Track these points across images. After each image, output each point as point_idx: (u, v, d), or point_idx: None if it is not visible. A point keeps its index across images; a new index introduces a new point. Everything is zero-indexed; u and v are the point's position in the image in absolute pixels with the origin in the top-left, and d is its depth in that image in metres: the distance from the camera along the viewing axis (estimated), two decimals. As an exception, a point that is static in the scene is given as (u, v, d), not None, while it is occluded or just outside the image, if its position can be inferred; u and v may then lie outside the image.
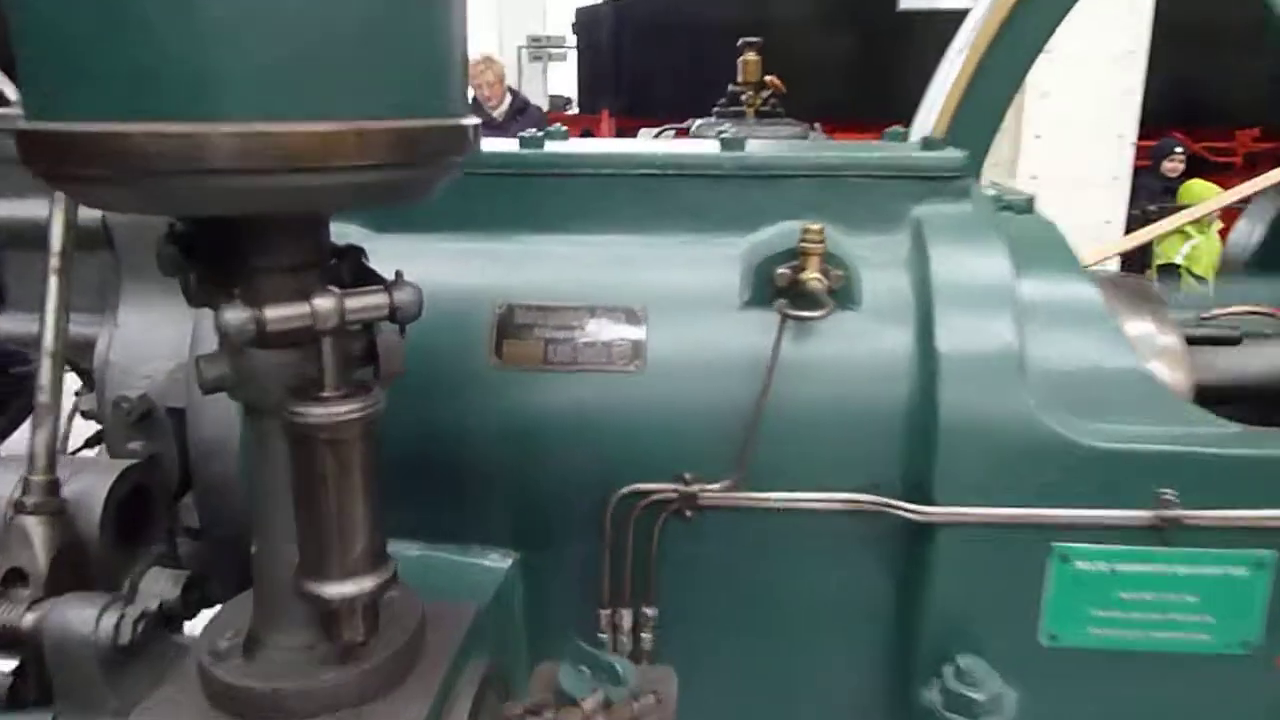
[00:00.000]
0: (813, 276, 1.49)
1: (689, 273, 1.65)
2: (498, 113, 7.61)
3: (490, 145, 1.82)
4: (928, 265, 1.59)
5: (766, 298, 1.58)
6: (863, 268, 1.60)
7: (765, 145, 1.89)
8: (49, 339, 1.44)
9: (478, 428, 1.58)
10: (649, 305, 1.60)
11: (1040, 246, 1.70)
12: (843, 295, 1.55)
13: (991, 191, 1.84)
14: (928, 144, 1.77)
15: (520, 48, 14.43)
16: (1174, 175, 8.28)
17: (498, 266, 1.66)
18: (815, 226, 1.51)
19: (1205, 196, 6.03)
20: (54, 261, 1.46)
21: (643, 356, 1.57)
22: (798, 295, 1.52)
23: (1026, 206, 1.88)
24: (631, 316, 1.60)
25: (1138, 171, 7.99)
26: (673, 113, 5.34)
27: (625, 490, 1.56)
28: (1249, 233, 2.61)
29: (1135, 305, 1.81)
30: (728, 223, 1.69)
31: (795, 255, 1.54)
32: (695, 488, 1.55)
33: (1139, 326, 1.76)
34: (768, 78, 4.10)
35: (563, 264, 1.67)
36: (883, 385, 1.55)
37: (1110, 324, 1.60)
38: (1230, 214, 3.30)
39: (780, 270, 1.55)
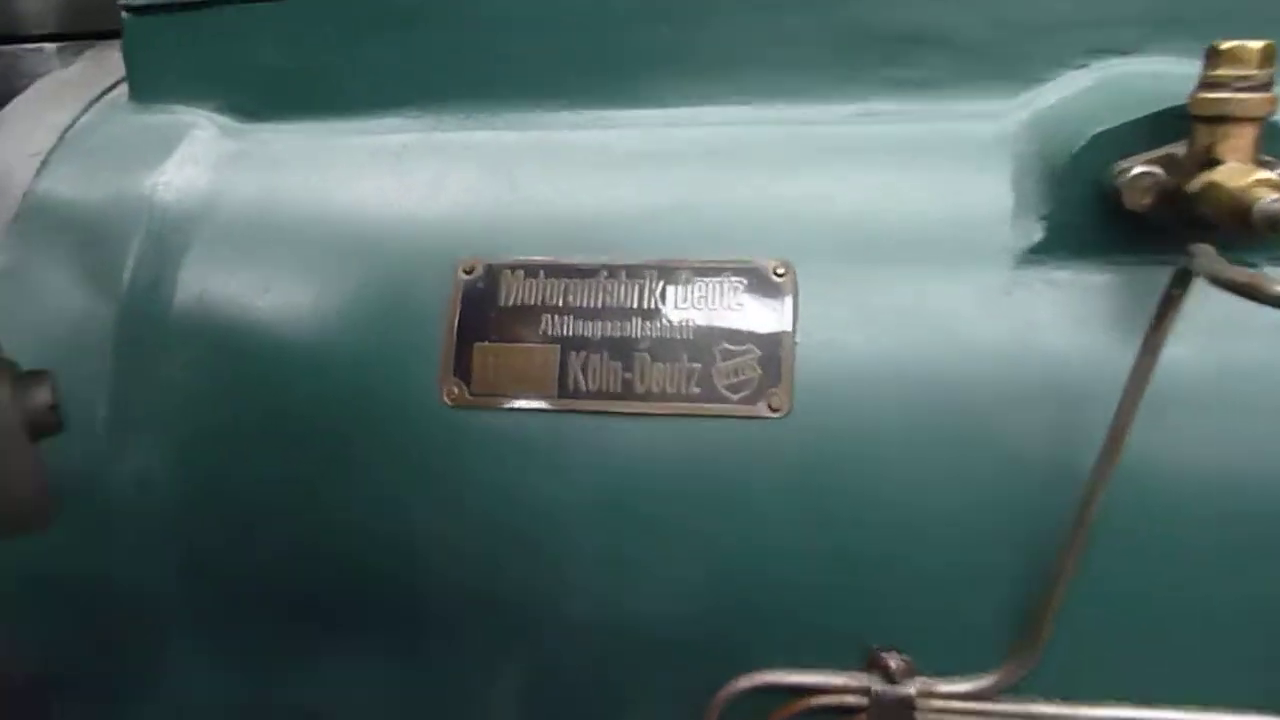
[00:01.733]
0: (1256, 178, 0.55)
1: (889, 182, 0.73)
2: None
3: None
4: None
5: (1085, 237, 0.66)
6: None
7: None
8: None
9: (426, 533, 0.73)
10: (798, 259, 0.70)
11: None
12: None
13: None
14: None
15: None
16: None
17: (469, 181, 0.78)
18: (1255, 44, 0.57)
19: None
20: None
21: (785, 380, 0.68)
22: (1203, 224, 0.59)
23: None
24: (759, 284, 0.70)
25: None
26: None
27: (748, 681, 0.69)
28: None
29: None
30: (977, 65, 0.75)
31: (1172, 129, 0.61)
32: (913, 685, 0.66)
33: None
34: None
35: (605, 172, 0.77)
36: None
37: None
38: None
39: (1136, 170, 0.62)
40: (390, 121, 0.83)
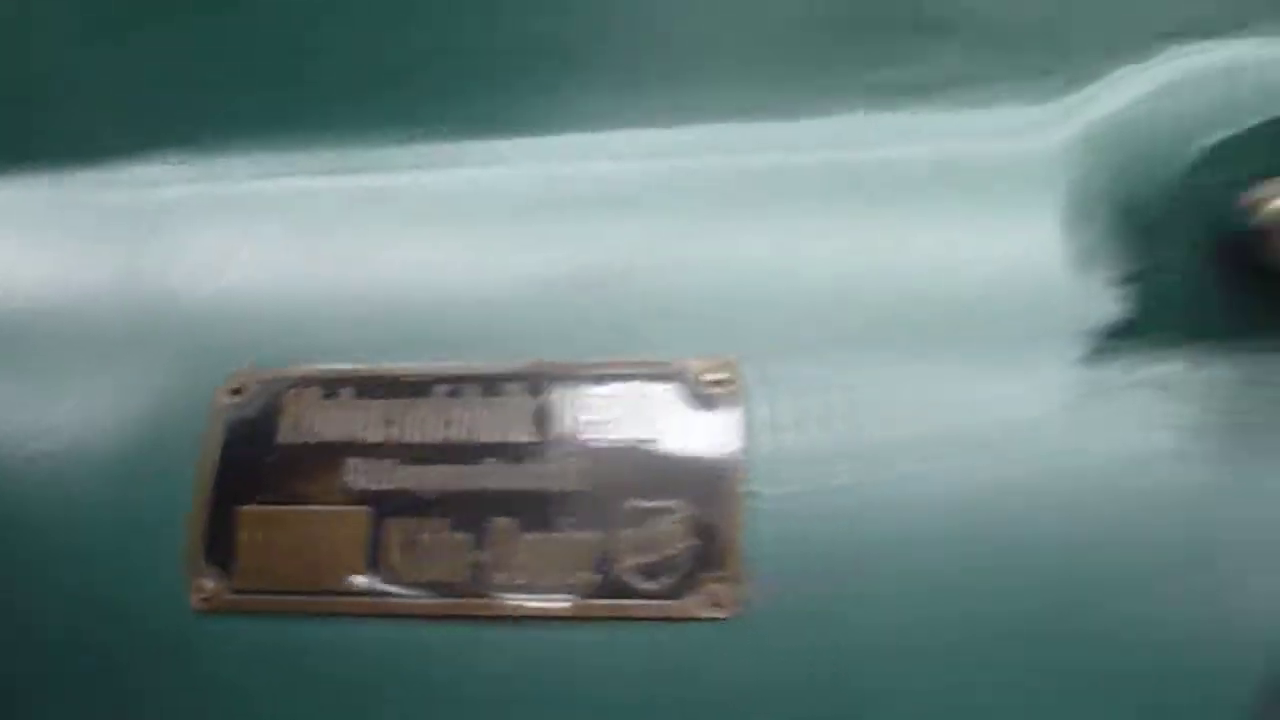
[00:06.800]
0: None
1: (885, 235, 0.48)
2: None
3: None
4: None
5: (1199, 309, 0.41)
6: None
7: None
8: None
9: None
10: (746, 358, 0.44)
11: None
12: None
13: None
14: None
15: None
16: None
17: (252, 254, 0.52)
18: None
19: None
20: None
21: (732, 556, 0.41)
22: None
23: None
24: (684, 399, 0.44)
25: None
26: None
27: None
28: None
29: None
30: (1001, 58, 0.51)
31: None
32: None
33: None
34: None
35: (451, 234, 0.51)
36: None
37: None
38: None
39: (1295, 195, 0.38)
40: (140, 172, 0.57)
